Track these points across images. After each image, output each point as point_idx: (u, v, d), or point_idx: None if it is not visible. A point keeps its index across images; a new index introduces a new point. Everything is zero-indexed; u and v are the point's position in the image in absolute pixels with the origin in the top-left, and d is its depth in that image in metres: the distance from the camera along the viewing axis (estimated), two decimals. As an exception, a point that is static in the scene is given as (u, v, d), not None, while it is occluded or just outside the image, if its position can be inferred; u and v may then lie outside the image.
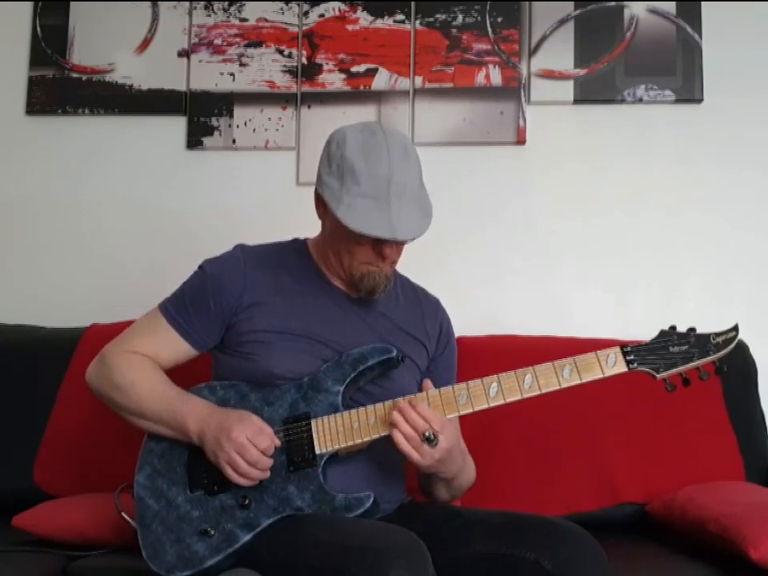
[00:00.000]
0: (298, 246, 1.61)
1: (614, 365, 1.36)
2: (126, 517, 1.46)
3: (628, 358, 1.36)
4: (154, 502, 1.41)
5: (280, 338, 1.47)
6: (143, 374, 1.47)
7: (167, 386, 1.47)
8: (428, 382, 1.43)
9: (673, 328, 1.39)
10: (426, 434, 1.31)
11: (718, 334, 1.37)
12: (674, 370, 1.36)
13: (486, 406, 1.38)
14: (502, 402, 1.37)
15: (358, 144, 1.42)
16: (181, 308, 1.51)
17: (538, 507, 1.75)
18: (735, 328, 1.39)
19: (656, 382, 1.37)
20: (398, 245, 1.48)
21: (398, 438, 1.32)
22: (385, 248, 1.44)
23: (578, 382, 1.36)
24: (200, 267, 1.55)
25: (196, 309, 1.50)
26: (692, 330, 1.39)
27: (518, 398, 1.37)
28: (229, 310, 1.49)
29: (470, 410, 1.38)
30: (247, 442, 1.34)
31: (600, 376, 1.36)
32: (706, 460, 1.90)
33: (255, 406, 1.42)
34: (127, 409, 1.47)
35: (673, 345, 1.37)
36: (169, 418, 1.42)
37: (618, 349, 1.37)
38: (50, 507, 1.72)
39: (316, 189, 1.50)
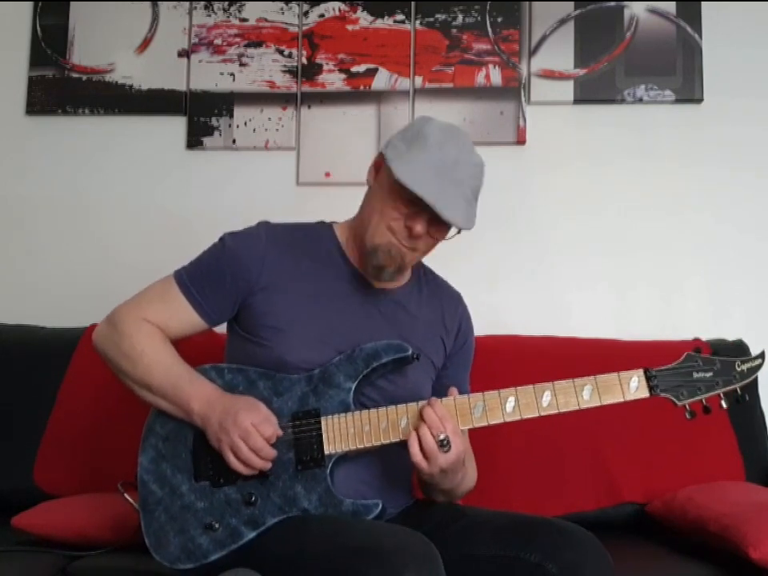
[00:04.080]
0: (323, 229, 1.56)
1: (637, 389, 1.32)
2: (130, 499, 1.43)
3: (651, 383, 1.32)
4: (158, 488, 1.39)
5: (295, 325, 1.43)
6: (153, 345, 1.43)
7: (176, 362, 1.43)
8: (454, 390, 1.38)
9: (698, 351, 1.35)
10: (441, 437, 1.29)
11: (743, 361, 1.33)
12: (696, 398, 1.32)
13: (501, 421, 1.34)
14: (518, 418, 1.34)
15: (439, 127, 1.43)
16: (195, 278, 1.47)
17: (538, 507, 1.75)
18: (761, 355, 1.35)
19: (676, 408, 1.34)
20: (432, 234, 1.42)
21: (413, 447, 1.30)
22: (416, 224, 1.38)
23: (598, 404, 1.32)
24: (220, 239, 1.51)
25: (211, 281, 1.46)
26: (716, 353, 1.35)
27: (535, 415, 1.33)
28: (245, 287, 1.45)
29: (485, 424, 1.34)
30: (252, 428, 1.32)
31: (620, 400, 1.32)
32: (706, 460, 1.90)
33: (264, 395, 1.40)
34: (133, 378, 1.43)
35: (697, 370, 1.33)
36: (173, 395, 1.39)
37: (641, 372, 1.33)
38: (49, 507, 1.72)
39: (380, 152, 1.46)
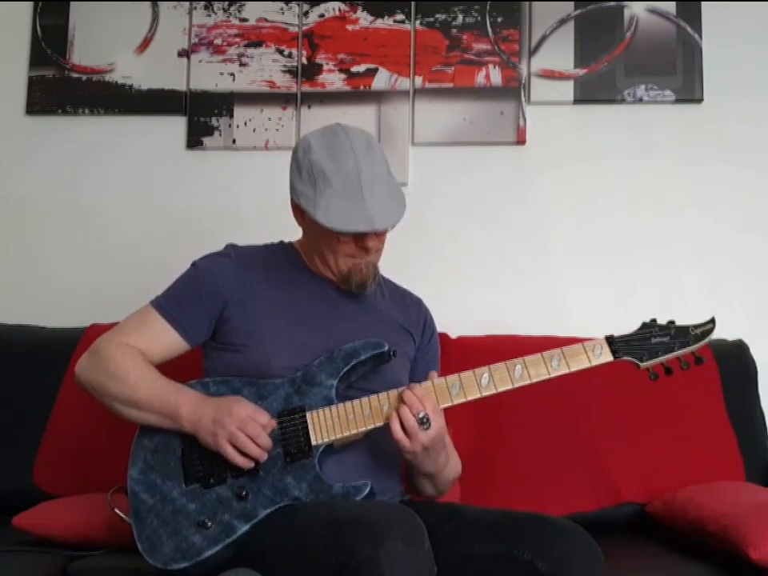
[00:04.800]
0: (285, 247, 1.66)
1: (600, 355, 1.41)
2: (120, 513, 1.46)
3: (613, 347, 1.42)
4: (149, 497, 1.41)
5: (274, 329, 1.49)
6: (137, 364, 1.48)
7: (161, 377, 1.47)
8: (433, 373, 1.44)
9: (653, 320, 1.45)
10: (420, 414, 1.34)
11: (696, 326, 1.43)
12: (656, 360, 1.41)
13: (478, 396, 1.41)
14: (493, 391, 1.41)
15: (322, 146, 1.48)
16: (173, 301, 1.53)
17: (538, 507, 1.74)
18: (712, 320, 1.44)
19: (640, 371, 1.42)
20: (379, 235, 1.52)
21: (395, 425, 1.35)
22: (367, 241, 1.48)
23: (567, 371, 1.40)
24: (192, 264, 1.58)
25: (188, 302, 1.52)
26: (671, 322, 1.44)
27: (509, 387, 1.41)
28: (221, 303, 1.51)
29: (463, 400, 1.41)
30: (248, 417, 1.36)
31: (587, 365, 1.41)
32: (706, 460, 1.90)
33: (249, 400, 1.43)
34: (120, 398, 1.46)
35: (654, 336, 1.42)
36: (161, 405, 1.42)
37: (603, 340, 1.43)
38: (49, 507, 1.72)
39: (291, 198, 1.55)
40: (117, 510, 1.47)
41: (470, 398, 1.41)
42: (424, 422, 1.35)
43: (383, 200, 1.46)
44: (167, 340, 1.52)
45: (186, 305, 1.52)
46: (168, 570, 1.35)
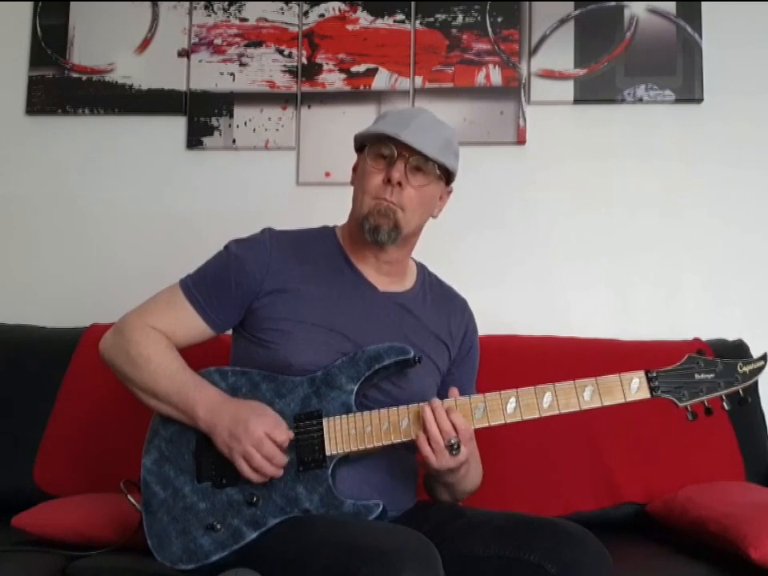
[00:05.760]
0: (326, 233, 1.59)
1: (637, 390, 1.33)
2: (132, 500, 1.43)
3: (652, 384, 1.33)
4: (161, 489, 1.39)
5: (300, 328, 1.44)
6: (159, 351, 1.44)
7: (182, 368, 1.44)
8: (455, 390, 1.39)
9: (700, 353, 1.36)
10: (452, 441, 1.30)
11: (745, 363, 1.33)
12: (698, 399, 1.32)
13: (501, 422, 1.35)
14: (518, 419, 1.34)
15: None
16: (201, 286, 1.49)
17: (538, 507, 1.75)
18: (763, 357, 1.34)
19: (678, 410, 1.34)
20: (410, 179, 1.45)
21: (421, 439, 1.31)
22: (393, 172, 1.43)
23: (599, 405, 1.33)
24: (225, 247, 1.53)
25: (217, 288, 1.48)
26: (719, 356, 1.35)
27: (536, 416, 1.34)
28: (250, 294, 1.47)
29: (486, 425, 1.35)
30: (264, 436, 1.33)
31: (621, 401, 1.33)
32: (706, 460, 1.90)
33: (266, 397, 1.40)
34: (138, 384, 1.44)
35: (698, 372, 1.33)
36: (178, 400, 1.40)
37: (642, 373, 1.33)
38: (50, 507, 1.72)
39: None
40: (129, 498, 1.44)
41: (494, 423, 1.34)
42: (454, 449, 1.31)
43: (423, 134, 1.44)
44: (193, 326, 1.48)
45: (215, 292, 1.47)
46: (175, 569, 1.35)
